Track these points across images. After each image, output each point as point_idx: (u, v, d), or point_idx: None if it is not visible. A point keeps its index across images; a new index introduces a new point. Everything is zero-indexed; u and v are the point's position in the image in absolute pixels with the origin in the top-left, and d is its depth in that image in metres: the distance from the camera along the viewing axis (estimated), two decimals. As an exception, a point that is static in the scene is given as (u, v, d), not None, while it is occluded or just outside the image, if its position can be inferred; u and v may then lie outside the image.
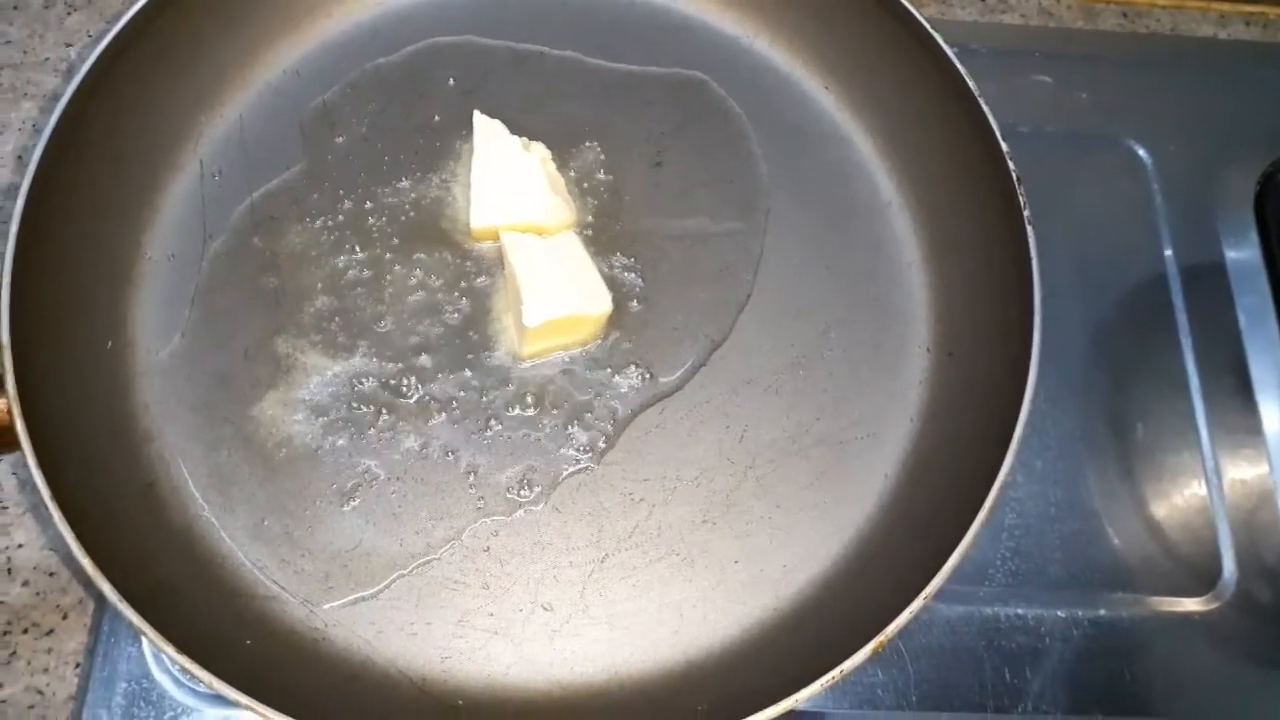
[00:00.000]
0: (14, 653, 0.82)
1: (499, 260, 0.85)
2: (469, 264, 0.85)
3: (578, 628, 0.75)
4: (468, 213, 0.86)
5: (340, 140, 0.89)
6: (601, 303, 0.82)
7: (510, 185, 0.84)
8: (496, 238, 0.85)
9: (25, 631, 0.83)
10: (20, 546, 0.85)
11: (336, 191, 0.87)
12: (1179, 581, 0.87)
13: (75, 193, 0.79)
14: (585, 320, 0.82)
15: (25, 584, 0.84)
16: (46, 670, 0.82)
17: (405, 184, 0.88)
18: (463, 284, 0.85)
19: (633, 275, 0.86)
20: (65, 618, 0.84)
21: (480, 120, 0.87)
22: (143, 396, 0.78)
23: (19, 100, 1.03)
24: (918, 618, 0.67)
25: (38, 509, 0.87)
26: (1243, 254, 0.99)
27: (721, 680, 0.73)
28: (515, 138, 0.86)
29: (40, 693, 0.81)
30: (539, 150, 0.87)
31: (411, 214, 0.87)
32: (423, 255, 0.85)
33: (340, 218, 0.86)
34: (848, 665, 0.65)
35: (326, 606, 0.74)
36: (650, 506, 0.79)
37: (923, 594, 0.66)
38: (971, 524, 0.68)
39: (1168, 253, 0.99)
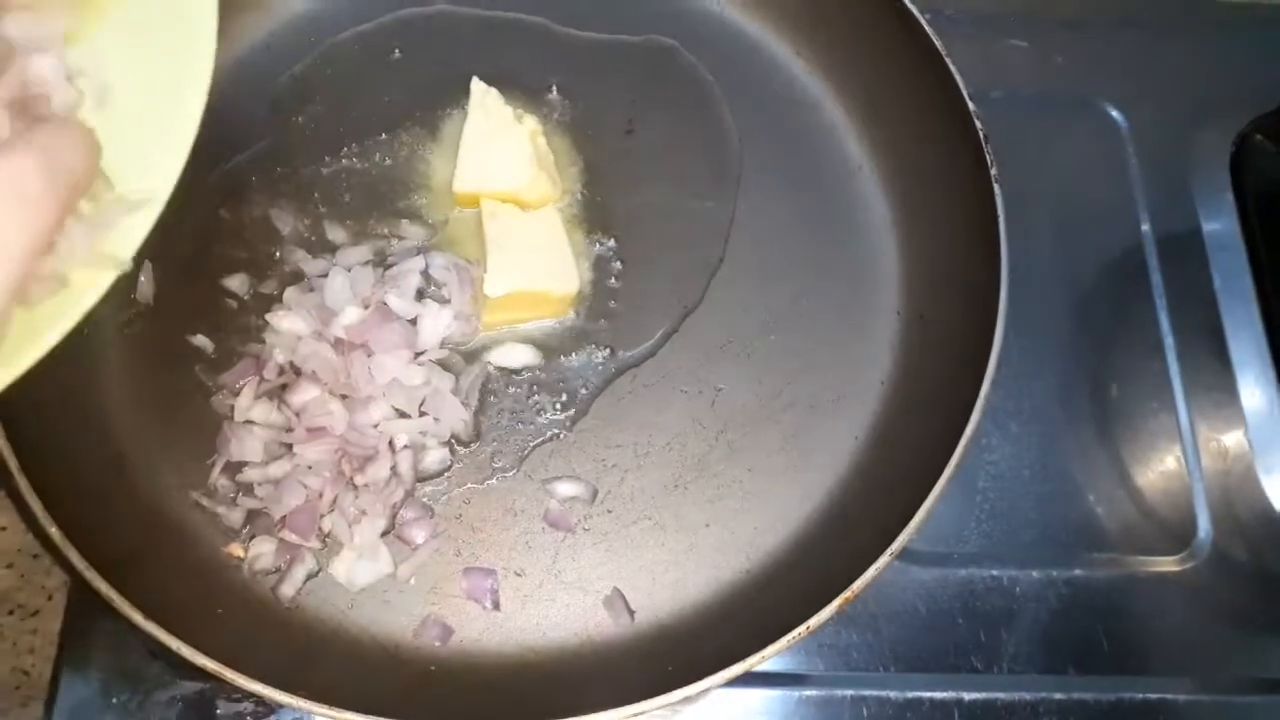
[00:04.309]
0: (-1, 634, 0.83)
1: (470, 231, 0.85)
2: (438, 235, 0.85)
3: (550, 593, 0.76)
4: (442, 183, 0.86)
5: (312, 112, 0.89)
6: (568, 282, 0.83)
7: (497, 154, 0.84)
8: (478, 204, 0.85)
9: (10, 613, 0.83)
10: (4, 529, 0.85)
11: (307, 163, 0.87)
12: (1154, 541, 0.87)
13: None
14: (550, 297, 0.82)
15: (9, 566, 0.85)
16: (32, 651, 0.82)
17: (377, 156, 0.88)
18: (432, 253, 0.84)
19: (607, 244, 0.86)
20: (50, 599, 0.84)
21: (477, 87, 0.87)
22: (111, 367, 0.79)
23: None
24: (885, 575, 0.67)
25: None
26: (1218, 216, 0.99)
27: (693, 640, 0.73)
28: (509, 108, 0.86)
29: (26, 673, 0.82)
30: (530, 123, 0.87)
31: (382, 186, 0.87)
32: (391, 225, 0.85)
33: (310, 189, 0.86)
34: (814, 621, 0.65)
35: (299, 575, 0.74)
36: (622, 472, 0.79)
37: (888, 550, 0.66)
38: (937, 481, 0.68)
39: (1143, 216, 0.98)
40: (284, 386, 0.78)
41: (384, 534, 0.75)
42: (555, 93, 0.91)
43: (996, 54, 1.05)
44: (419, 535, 0.75)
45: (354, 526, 0.73)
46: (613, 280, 0.85)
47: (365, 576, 0.73)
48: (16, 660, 0.82)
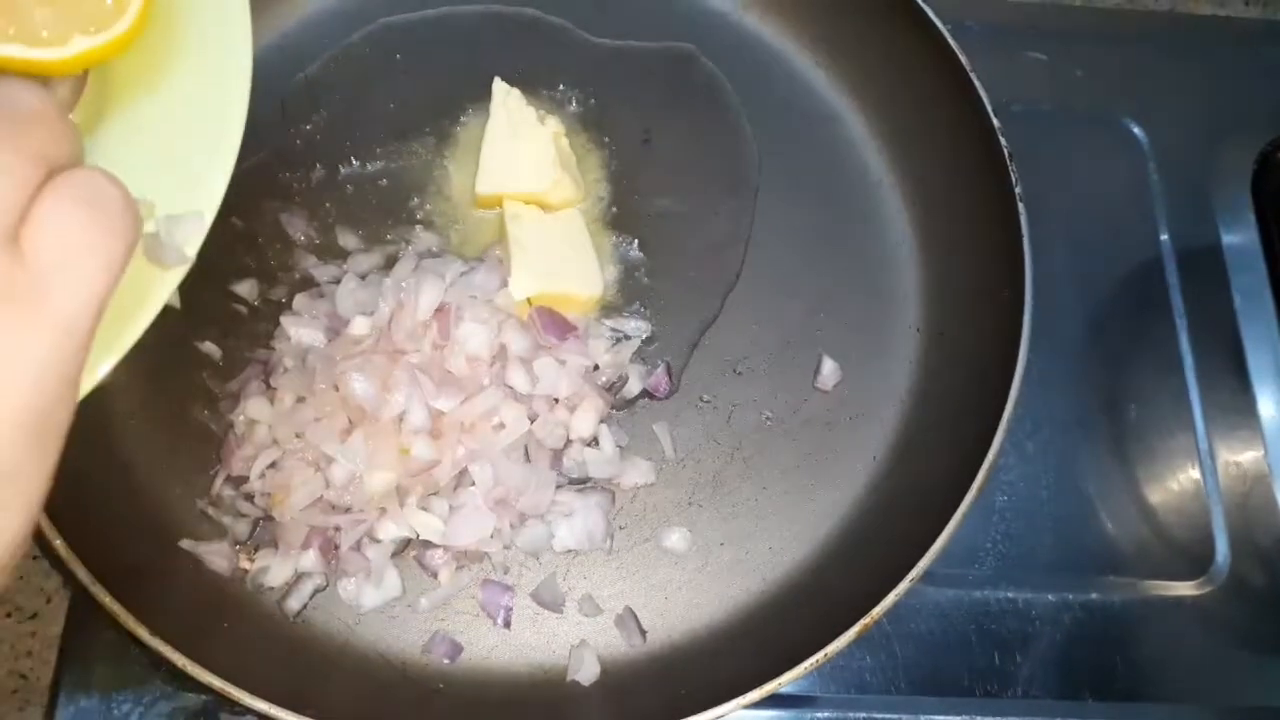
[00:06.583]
0: (-4, 637, 0.81)
1: (486, 236, 0.84)
2: (454, 240, 0.84)
3: (561, 611, 0.75)
4: (456, 188, 0.85)
5: (324, 115, 0.88)
6: (592, 285, 0.81)
7: (520, 155, 0.83)
8: (498, 205, 0.84)
9: (8, 615, 0.82)
10: (1, 529, 0.84)
11: (318, 168, 0.86)
12: (1171, 565, 0.86)
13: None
14: (574, 300, 0.81)
15: (7, 567, 0.83)
16: (30, 654, 0.81)
17: (389, 161, 0.87)
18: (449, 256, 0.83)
19: (622, 254, 0.85)
20: (49, 602, 0.82)
21: (499, 87, 0.86)
22: (119, 375, 0.77)
23: None
24: (904, 600, 0.66)
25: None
26: (1239, 234, 0.98)
27: (706, 662, 0.72)
28: (531, 109, 0.85)
29: (24, 677, 0.81)
30: (553, 125, 0.86)
31: (395, 190, 0.86)
32: (404, 231, 0.84)
33: (321, 194, 0.85)
34: (832, 648, 0.64)
35: (306, 589, 0.73)
36: (635, 488, 0.78)
37: (909, 576, 0.65)
38: (959, 505, 0.67)
39: (1163, 233, 0.97)
40: (301, 399, 0.76)
41: (395, 554, 0.74)
42: (571, 98, 0.90)
43: (1016, 67, 1.03)
44: (440, 564, 0.73)
45: (362, 550, 0.72)
46: (622, 282, 0.84)
47: (373, 600, 0.72)
48: (14, 663, 0.81)
